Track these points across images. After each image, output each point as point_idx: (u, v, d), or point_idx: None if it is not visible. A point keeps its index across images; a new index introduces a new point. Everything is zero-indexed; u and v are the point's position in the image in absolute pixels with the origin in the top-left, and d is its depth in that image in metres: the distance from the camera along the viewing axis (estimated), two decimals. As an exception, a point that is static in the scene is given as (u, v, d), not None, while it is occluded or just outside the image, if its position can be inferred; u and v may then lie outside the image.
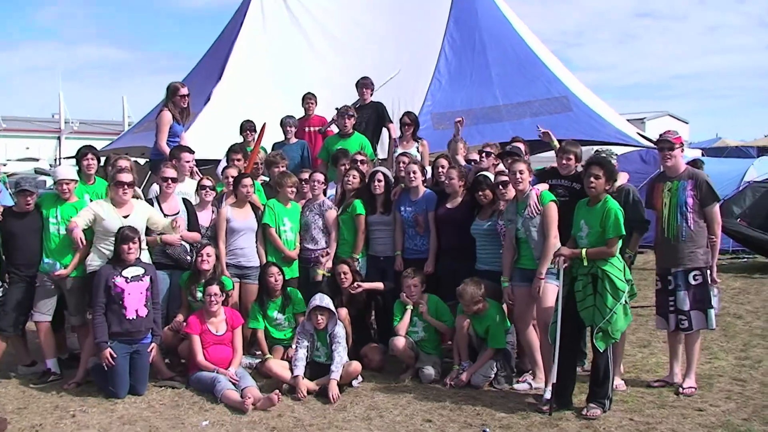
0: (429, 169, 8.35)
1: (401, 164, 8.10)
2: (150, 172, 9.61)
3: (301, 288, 7.78)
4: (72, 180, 7.14)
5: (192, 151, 8.15)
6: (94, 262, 6.88)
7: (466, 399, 6.44)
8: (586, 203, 6.12)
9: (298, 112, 10.29)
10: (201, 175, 8.19)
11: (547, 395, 6.12)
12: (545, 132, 7.66)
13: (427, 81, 12.34)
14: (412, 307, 7.21)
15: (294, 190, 7.95)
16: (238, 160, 8.54)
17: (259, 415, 6.10)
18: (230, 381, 6.56)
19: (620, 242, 5.93)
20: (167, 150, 8.34)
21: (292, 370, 6.72)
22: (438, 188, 7.92)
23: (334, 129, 9.93)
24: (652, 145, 11.30)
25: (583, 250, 5.92)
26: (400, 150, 9.08)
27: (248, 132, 9.56)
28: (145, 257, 6.99)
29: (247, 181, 7.82)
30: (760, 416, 5.83)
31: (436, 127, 11.34)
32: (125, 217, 6.88)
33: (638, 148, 13.17)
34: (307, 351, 6.87)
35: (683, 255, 6.47)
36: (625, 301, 5.87)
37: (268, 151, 9.51)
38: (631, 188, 6.79)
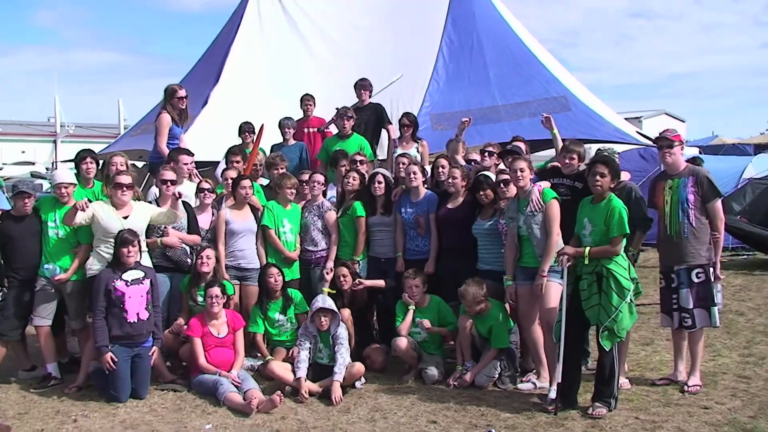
0: (429, 169, 8.33)
1: (401, 165, 8.07)
2: (149, 175, 9.58)
3: (302, 289, 7.75)
4: (71, 183, 7.10)
5: (191, 154, 8.12)
6: (93, 266, 6.84)
7: (470, 399, 6.41)
8: (589, 201, 6.10)
9: (296, 114, 10.26)
10: (200, 178, 8.16)
11: (552, 395, 6.09)
12: (546, 117, 7.68)
13: (425, 82, 12.31)
14: (414, 308, 7.18)
15: (293, 191, 7.91)
16: (237, 161, 8.51)
17: (262, 417, 6.06)
18: (233, 383, 6.52)
19: (624, 241, 5.91)
20: (167, 152, 8.30)
21: (294, 372, 6.68)
22: (438, 189, 7.90)
23: (333, 130, 9.90)
24: (650, 143, 11.32)
25: (587, 249, 5.90)
26: (399, 151, 9.06)
27: (247, 134, 9.53)
28: (146, 260, 6.95)
29: (246, 182, 7.79)
30: (766, 413, 5.82)
31: (435, 128, 11.32)
32: (125, 218, 6.84)
33: (637, 147, 13.16)
34: (310, 353, 6.84)
35: (686, 252, 6.46)
36: (631, 299, 5.84)
37: (267, 152, 9.49)
38: (633, 186, 6.77)
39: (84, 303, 7.07)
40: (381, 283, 7.64)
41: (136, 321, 6.59)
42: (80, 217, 6.70)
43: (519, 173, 6.49)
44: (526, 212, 6.46)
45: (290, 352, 7.14)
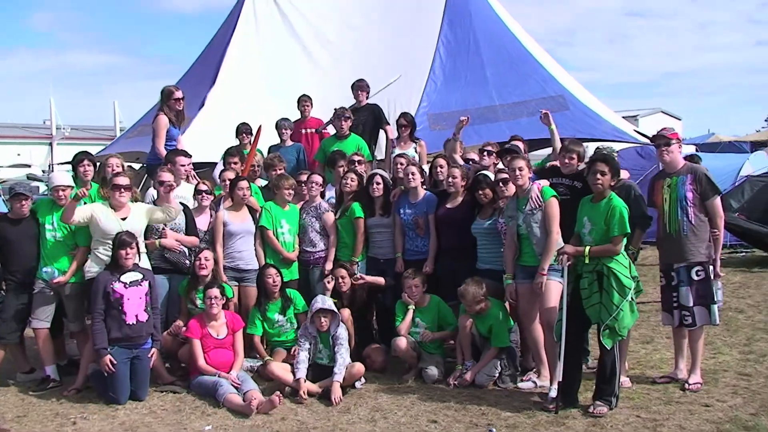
0: (427, 169, 8.31)
1: (399, 165, 8.05)
2: (146, 177, 9.55)
3: (301, 290, 7.73)
4: (68, 186, 7.08)
5: (188, 155, 8.08)
6: (92, 268, 6.81)
7: (471, 399, 6.40)
8: (590, 200, 6.09)
9: (293, 115, 10.23)
10: (198, 179, 8.14)
11: (553, 393, 6.08)
12: (545, 113, 7.66)
13: (422, 82, 12.31)
14: (413, 308, 7.17)
15: (291, 192, 7.90)
16: (235, 163, 8.50)
17: (262, 418, 6.04)
18: (232, 385, 6.50)
19: (625, 240, 5.90)
20: (165, 153, 8.28)
21: (293, 372, 6.67)
22: (436, 189, 7.88)
23: (331, 131, 9.88)
24: (648, 141, 11.32)
25: (587, 248, 5.89)
26: (397, 151, 9.03)
27: (244, 135, 9.51)
28: (145, 261, 6.93)
29: (243, 184, 7.76)
30: (767, 411, 5.80)
31: (433, 128, 11.31)
32: (123, 219, 6.82)
33: (635, 145, 13.19)
34: (309, 353, 6.82)
35: (685, 250, 6.45)
36: (632, 297, 5.83)
37: (264, 154, 9.47)
38: (632, 184, 6.77)
39: (83, 305, 7.06)
40: (381, 280, 7.64)
41: (134, 323, 6.57)
42: (79, 215, 6.68)
43: (518, 172, 6.47)
44: (525, 211, 6.45)
45: (292, 351, 7.10)
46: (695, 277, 6.44)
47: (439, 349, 7.29)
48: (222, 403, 6.31)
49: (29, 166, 35.05)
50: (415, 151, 9.16)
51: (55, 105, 41.13)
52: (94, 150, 11.24)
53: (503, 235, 6.87)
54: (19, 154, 39.55)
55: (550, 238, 6.30)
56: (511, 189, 6.75)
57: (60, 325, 7.33)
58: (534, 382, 6.68)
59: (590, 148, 7.50)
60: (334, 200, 8.28)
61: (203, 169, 9.71)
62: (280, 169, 8.42)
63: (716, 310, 6.50)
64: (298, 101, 10.28)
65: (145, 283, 6.70)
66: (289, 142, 9.75)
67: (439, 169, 7.85)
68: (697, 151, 18.03)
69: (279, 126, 9.74)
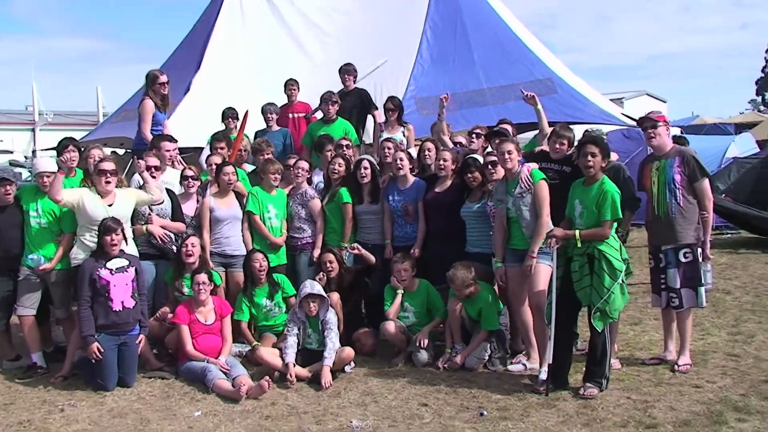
0: (415, 153, 8.27)
1: (386, 150, 8.00)
2: (131, 162, 9.46)
3: (288, 275, 7.69)
4: (53, 172, 6.98)
5: (174, 140, 8.01)
6: (78, 255, 6.73)
7: (461, 382, 6.40)
8: (581, 183, 6.07)
9: (280, 100, 10.14)
10: (183, 164, 8.07)
11: (543, 376, 6.09)
12: (531, 95, 7.55)
13: (409, 66, 12.24)
14: (402, 292, 7.15)
15: (278, 176, 7.83)
16: (222, 148, 8.44)
17: (252, 403, 6.01)
18: (221, 370, 6.47)
19: (615, 224, 5.89)
20: (151, 138, 8.20)
21: (282, 357, 6.64)
22: (424, 173, 7.84)
23: (319, 116, 9.80)
24: (634, 123, 11.33)
25: (577, 232, 5.88)
26: (385, 135, 8.98)
27: (230, 119, 9.44)
28: (132, 248, 6.86)
29: (229, 169, 7.69)
30: (757, 391, 5.83)
31: (421, 112, 11.25)
32: (110, 206, 6.74)
33: (621, 127, 13.22)
34: (298, 338, 6.80)
35: (673, 232, 6.44)
36: (622, 280, 5.83)
37: (251, 139, 9.39)
38: (621, 166, 6.78)
39: (69, 292, 6.98)
40: (372, 258, 7.62)
41: (121, 309, 6.51)
42: (68, 196, 6.61)
43: (506, 155, 6.44)
44: (514, 194, 6.42)
45: (281, 336, 7.06)
46: (683, 259, 6.45)
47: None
48: (211, 389, 6.27)
49: (11, 152, 34.64)
50: (403, 135, 9.12)
51: (38, 90, 40.69)
52: (77, 136, 11.13)
53: (492, 219, 6.85)
54: (1, 140, 39.12)
55: (540, 221, 6.28)
56: (500, 172, 6.73)
57: (46, 312, 7.28)
58: (524, 365, 6.69)
59: (578, 132, 7.47)
60: (322, 185, 8.22)
61: (189, 154, 9.64)
62: (267, 154, 8.36)
63: (703, 293, 6.52)
64: (285, 85, 10.17)
65: (132, 270, 6.63)
66: (276, 127, 9.67)
67: (427, 152, 7.82)
68: (682, 133, 18.06)
69: (265, 111, 9.65)
